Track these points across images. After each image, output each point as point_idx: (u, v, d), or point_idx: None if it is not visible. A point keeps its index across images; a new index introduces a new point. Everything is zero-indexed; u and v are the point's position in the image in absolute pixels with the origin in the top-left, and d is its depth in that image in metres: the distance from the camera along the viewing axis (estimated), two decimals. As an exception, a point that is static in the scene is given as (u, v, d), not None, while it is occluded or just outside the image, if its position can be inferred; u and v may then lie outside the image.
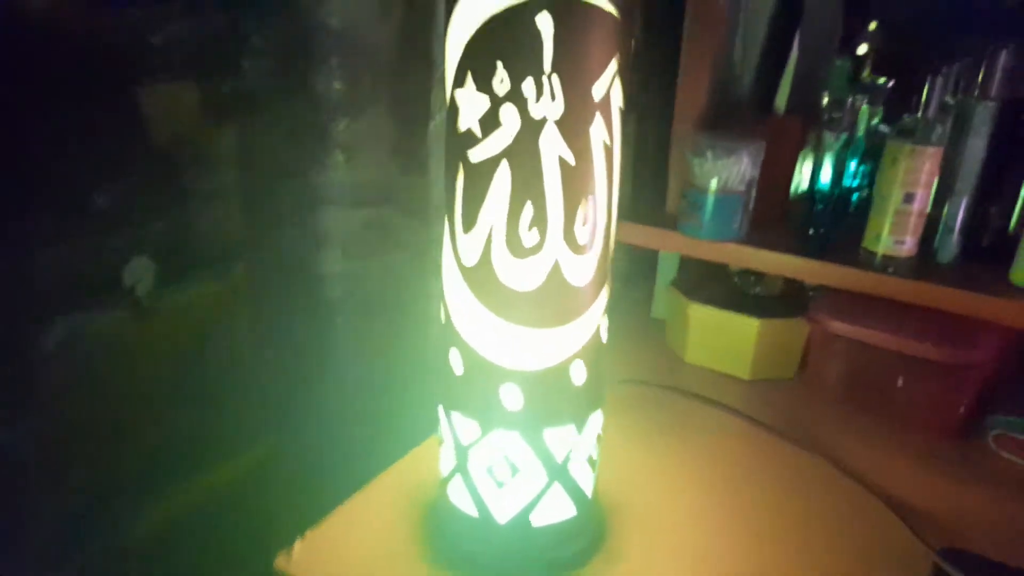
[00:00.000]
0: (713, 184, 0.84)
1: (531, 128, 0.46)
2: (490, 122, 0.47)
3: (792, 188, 0.97)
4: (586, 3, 0.44)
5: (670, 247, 0.93)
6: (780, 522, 0.68)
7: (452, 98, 0.49)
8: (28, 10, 0.61)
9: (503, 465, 0.56)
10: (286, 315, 0.98)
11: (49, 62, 0.63)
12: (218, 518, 0.85)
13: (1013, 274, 0.77)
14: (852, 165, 0.86)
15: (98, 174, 0.68)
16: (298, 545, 0.62)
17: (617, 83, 0.48)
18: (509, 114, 0.46)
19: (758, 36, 0.90)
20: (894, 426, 0.83)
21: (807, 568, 0.62)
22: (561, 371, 0.54)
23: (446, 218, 0.53)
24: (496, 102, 0.46)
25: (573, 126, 0.47)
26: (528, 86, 0.45)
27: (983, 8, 1.00)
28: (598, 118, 0.48)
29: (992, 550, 0.63)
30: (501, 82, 0.45)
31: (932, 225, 0.81)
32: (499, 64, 0.45)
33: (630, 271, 1.17)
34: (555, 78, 0.45)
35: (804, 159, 0.97)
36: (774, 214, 0.92)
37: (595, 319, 0.54)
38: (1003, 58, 0.76)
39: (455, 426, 0.57)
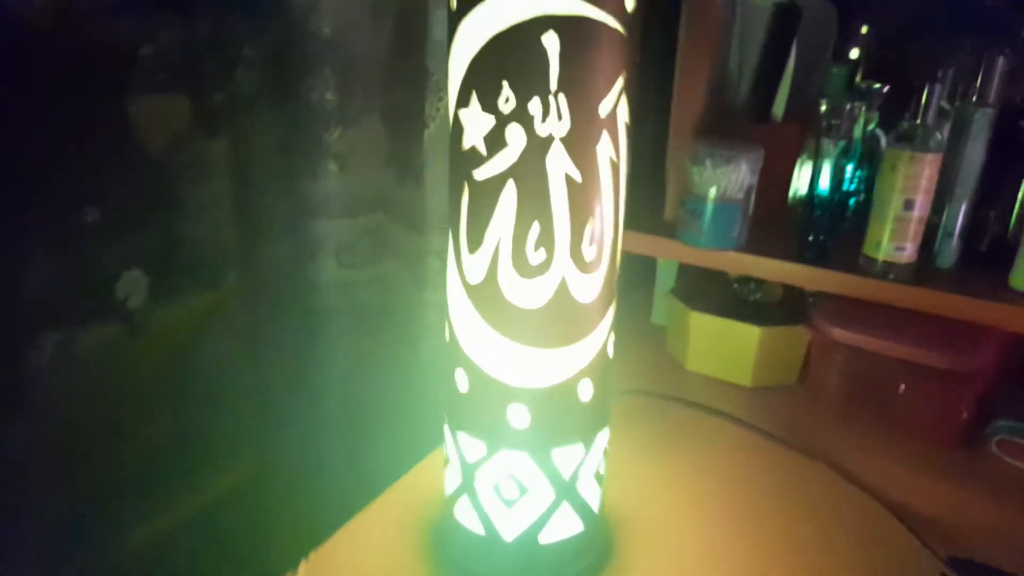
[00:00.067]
0: (712, 192, 0.84)
1: (538, 146, 0.46)
2: (496, 141, 0.46)
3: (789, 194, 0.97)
4: (592, 20, 0.44)
5: (669, 255, 0.93)
6: (787, 533, 0.67)
7: (456, 117, 0.48)
8: (16, 21, 0.60)
9: (510, 484, 0.56)
10: (281, 326, 0.97)
11: (39, 73, 0.62)
12: (213, 534, 0.85)
13: (1013, 279, 0.77)
14: (849, 170, 0.86)
15: (90, 186, 0.67)
16: (303, 568, 0.61)
17: (623, 99, 0.48)
18: (515, 133, 0.45)
19: (755, 43, 0.90)
20: (896, 433, 0.83)
21: (816, 580, 0.62)
22: (568, 388, 0.53)
23: (450, 236, 0.52)
24: (502, 121, 0.45)
25: (580, 144, 0.46)
26: (534, 105, 0.44)
27: (973, 10, 1.00)
28: (605, 135, 0.47)
29: (998, 558, 0.63)
30: (506, 101, 0.45)
31: (931, 230, 0.81)
32: (505, 84, 0.44)
33: (628, 277, 1.17)
34: (561, 97, 0.44)
35: (801, 165, 0.97)
36: (772, 221, 0.92)
37: (602, 336, 0.54)
38: (1000, 64, 0.76)
39: (461, 445, 0.57)
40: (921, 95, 0.77)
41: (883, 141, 0.92)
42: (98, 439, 0.72)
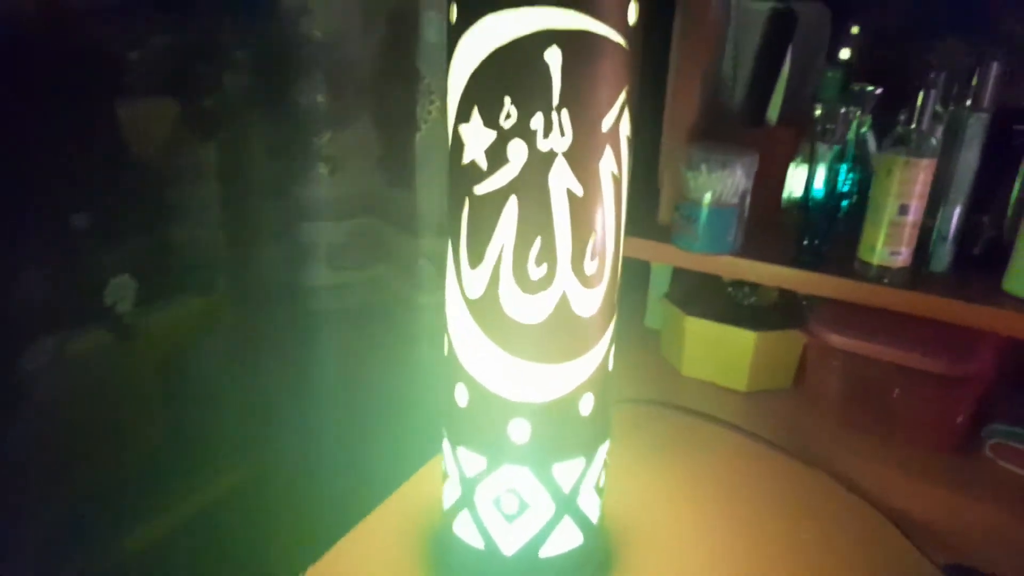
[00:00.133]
0: (707, 197, 0.83)
1: (540, 162, 0.45)
2: (497, 156, 0.45)
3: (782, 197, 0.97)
4: (594, 35, 0.43)
5: (665, 259, 0.92)
6: (786, 540, 0.67)
7: (456, 131, 0.47)
8: (5, 27, 0.59)
9: (511, 499, 0.55)
10: (274, 329, 0.96)
11: (27, 77, 0.61)
12: (212, 535, 0.84)
13: (1006, 283, 0.77)
14: (843, 172, 0.86)
15: (78, 192, 0.67)
16: (304, 581, 0.61)
17: (626, 113, 0.47)
18: (517, 149, 0.45)
19: (750, 47, 0.89)
20: (893, 438, 0.83)
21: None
22: (570, 402, 0.53)
23: (449, 249, 0.52)
24: (503, 136, 0.45)
25: (582, 159, 0.46)
26: (536, 121, 0.44)
27: (966, 12, 1.00)
28: (607, 150, 0.47)
29: (993, 564, 0.63)
30: (508, 117, 0.44)
31: (925, 234, 0.81)
32: (506, 99, 0.44)
33: (622, 280, 1.17)
34: (564, 113, 0.44)
35: (795, 168, 0.97)
36: (766, 224, 0.92)
37: (603, 350, 0.53)
38: (995, 68, 0.76)
39: (460, 460, 0.56)
40: (913, 97, 0.77)
41: (871, 144, 0.92)
42: (96, 441, 0.71)
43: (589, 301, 0.50)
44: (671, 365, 0.99)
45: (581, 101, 0.44)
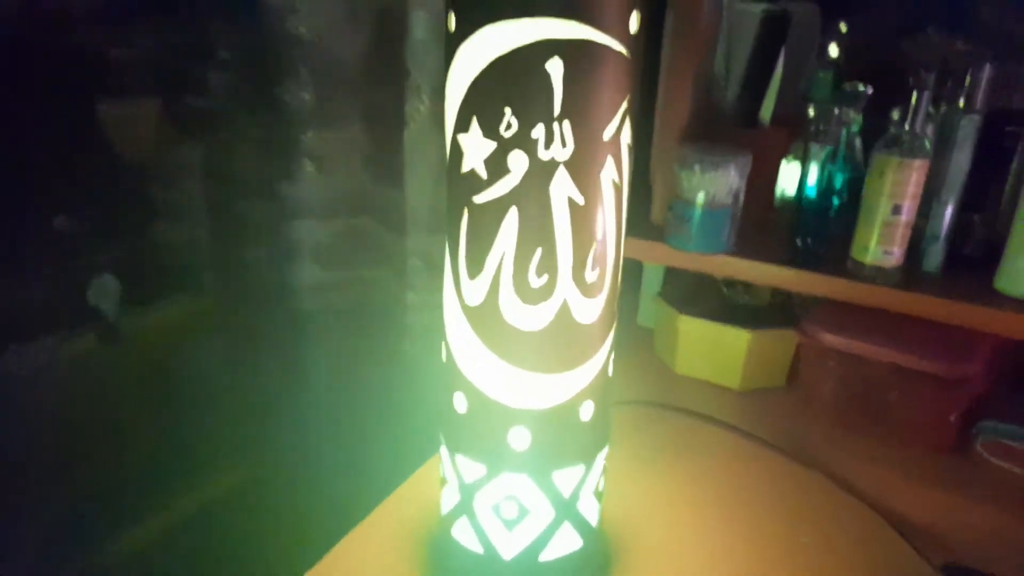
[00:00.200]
0: (701, 197, 0.83)
1: (541, 172, 0.45)
2: (497, 166, 0.45)
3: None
4: (596, 44, 0.43)
5: (658, 259, 0.92)
6: (783, 541, 0.68)
7: (455, 141, 0.47)
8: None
9: (510, 505, 0.55)
10: (264, 329, 0.96)
11: (8, 78, 0.60)
12: (211, 535, 0.84)
13: (998, 282, 0.78)
14: (835, 172, 0.86)
15: (61, 192, 0.66)
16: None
17: (627, 122, 0.47)
18: (517, 159, 0.44)
19: (743, 48, 0.89)
20: (887, 439, 0.84)
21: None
22: (570, 409, 0.53)
23: (448, 258, 0.51)
24: (504, 147, 0.44)
25: (584, 169, 0.45)
26: (538, 131, 0.43)
27: (957, 12, 1.00)
28: (609, 160, 0.46)
29: (990, 561, 0.64)
30: (508, 127, 0.44)
31: (917, 234, 0.82)
32: (507, 110, 0.43)
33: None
34: (566, 123, 0.44)
35: (787, 167, 0.97)
36: (759, 224, 0.92)
37: (603, 357, 0.53)
38: (987, 70, 0.76)
39: (459, 467, 0.56)
40: (902, 95, 0.77)
41: (858, 143, 0.93)
42: (91, 442, 0.71)
43: (590, 310, 0.50)
44: (664, 364, 0.99)
45: (583, 111, 0.44)
